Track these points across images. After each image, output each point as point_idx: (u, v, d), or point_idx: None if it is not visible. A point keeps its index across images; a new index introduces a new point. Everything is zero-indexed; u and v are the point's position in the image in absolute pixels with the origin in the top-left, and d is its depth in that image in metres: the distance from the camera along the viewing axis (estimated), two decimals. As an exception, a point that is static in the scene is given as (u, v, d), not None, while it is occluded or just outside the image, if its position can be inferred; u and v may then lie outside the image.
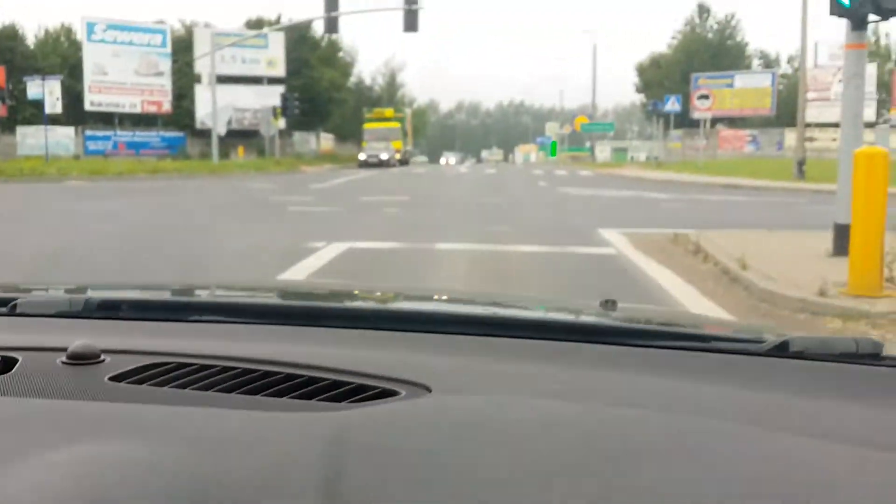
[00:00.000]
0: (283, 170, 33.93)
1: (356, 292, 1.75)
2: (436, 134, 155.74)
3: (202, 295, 1.58)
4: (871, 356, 0.95)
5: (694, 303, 5.88)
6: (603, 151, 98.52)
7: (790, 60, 54.05)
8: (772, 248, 7.95)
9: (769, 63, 53.92)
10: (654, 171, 32.58)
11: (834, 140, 45.48)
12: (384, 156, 43.78)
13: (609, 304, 1.19)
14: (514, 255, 8.37)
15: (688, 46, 52.21)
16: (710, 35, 53.11)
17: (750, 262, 6.74)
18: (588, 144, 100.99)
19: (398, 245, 8.95)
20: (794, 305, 5.66)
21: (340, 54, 68.17)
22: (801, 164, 23.91)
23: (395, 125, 49.45)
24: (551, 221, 11.97)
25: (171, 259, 7.84)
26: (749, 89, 47.59)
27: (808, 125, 47.33)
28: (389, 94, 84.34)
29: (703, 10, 52.81)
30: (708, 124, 50.13)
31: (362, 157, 44.10)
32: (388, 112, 51.50)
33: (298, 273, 6.95)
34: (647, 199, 17.83)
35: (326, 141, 63.45)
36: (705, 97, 30.54)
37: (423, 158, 70.80)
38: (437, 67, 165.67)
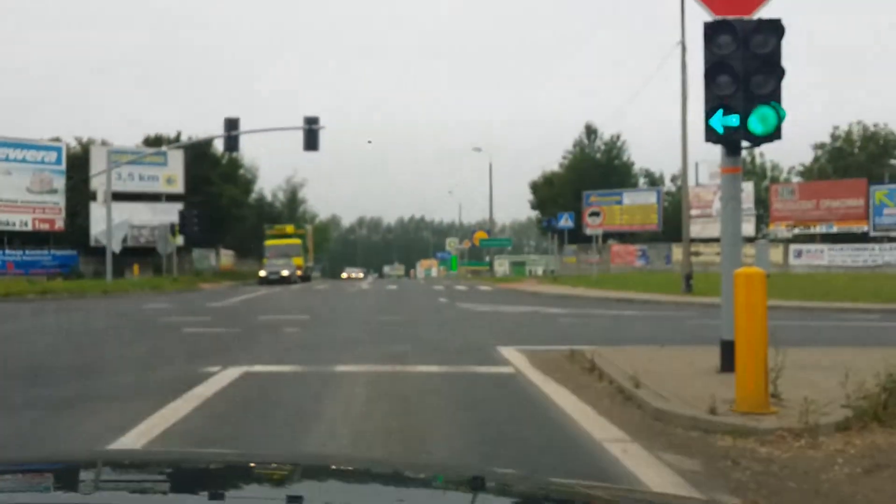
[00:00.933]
0: (181, 288, 33.07)
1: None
2: (338, 249, 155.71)
3: None
4: None
5: (591, 422, 5.93)
6: (502, 265, 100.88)
7: (673, 179, 57.58)
8: (663, 364, 8.19)
9: (654, 181, 57.17)
10: (550, 286, 33.42)
11: (718, 254, 47.54)
12: (285, 272, 43.37)
13: (477, 482, 1.18)
14: (413, 376, 8.30)
15: (578, 165, 54.92)
16: (597, 155, 56.11)
17: (643, 380, 6.89)
18: (487, 259, 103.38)
19: (296, 368, 8.76)
20: (686, 423, 5.79)
21: (241, 171, 68.36)
22: (688, 277, 25.03)
23: (296, 241, 49.35)
24: (452, 340, 12.00)
25: (36, 400, 7.39)
26: (637, 206, 50.25)
27: (693, 240, 50.03)
28: (291, 211, 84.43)
29: (591, 132, 55.97)
30: (600, 240, 52.47)
31: (263, 273, 43.56)
32: (289, 228, 51.49)
33: (190, 402, 6.66)
34: (545, 314, 18.19)
35: (227, 257, 62.58)
36: (596, 214, 31.97)
37: (317, 275, 70.62)
38: (338, 183, 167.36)
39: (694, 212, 48.14)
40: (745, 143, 7.67)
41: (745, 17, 7.20)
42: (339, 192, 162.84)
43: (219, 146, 56.75)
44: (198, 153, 52.10)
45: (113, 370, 8.80)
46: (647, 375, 7.13)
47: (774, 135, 7.08)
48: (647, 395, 6.48)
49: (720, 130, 7.27)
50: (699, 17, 8.10)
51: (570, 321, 15.92)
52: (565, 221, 34.81)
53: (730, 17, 7.19)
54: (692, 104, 25.35)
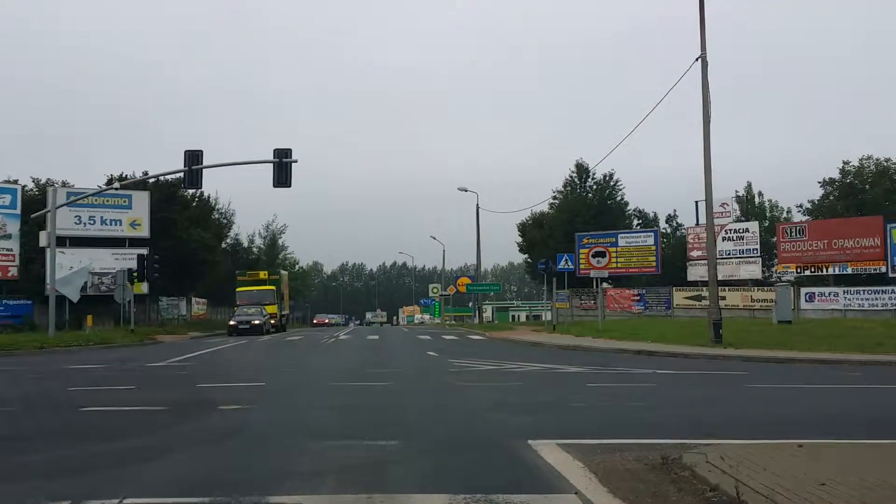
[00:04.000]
0: (133, 341, 29.24)
1: None
2: (320, 296, 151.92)
3: None
4: None
5: None
6: (485, 311, 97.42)
7: (669, 220, 54.66)
8: (845, 482, 4.69)
9: (647, 222, 54.11)
10: (551, 335, 29.97)
11: (723, 299, 44.85)
12: (256, 321, 39.60)
13: None
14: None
15: (569, 206, 51.81)
16: (589, 195, 53.07)
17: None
18: (470, 304, 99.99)
19: (205, 502, 5.18)
20: None
21: (215, 216, 64.75)
22: (717, 326, 21.64)
23: (270, 288, 45.61)
24: (457, 425, 8.44)
25: None
26: (633, 248, 47.01)
27: (695, 284, 46.86)
28: (270, 257, 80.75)
29: (583, 170, 52.97)
30: (598, 283, 49.09)
31: (232, 323, 39.76)
32: (262, 274, 47.72)
33: None
34: (564, 375, 14.69)
35: (200, 306, 58.59)
36: (601, 255, 28.64)
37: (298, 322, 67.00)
38: (319, 230, 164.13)
39: (695, 253, 45.08)
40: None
41: None
42: (320, 238, 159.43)
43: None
44: (165, 195, 48.58)
45: None
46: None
47: None
48: None
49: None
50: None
51: (604, 387, 12.39)
52: (566, 263, 31.44)
53: None
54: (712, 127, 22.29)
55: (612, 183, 52.36)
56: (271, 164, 29.79)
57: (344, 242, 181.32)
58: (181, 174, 29.91)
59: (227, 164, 30.71)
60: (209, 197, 52.61)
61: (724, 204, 44.28)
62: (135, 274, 35.59)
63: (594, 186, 52.88)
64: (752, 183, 52.56)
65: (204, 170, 28.71)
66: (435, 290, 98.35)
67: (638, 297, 46.12)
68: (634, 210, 54.63)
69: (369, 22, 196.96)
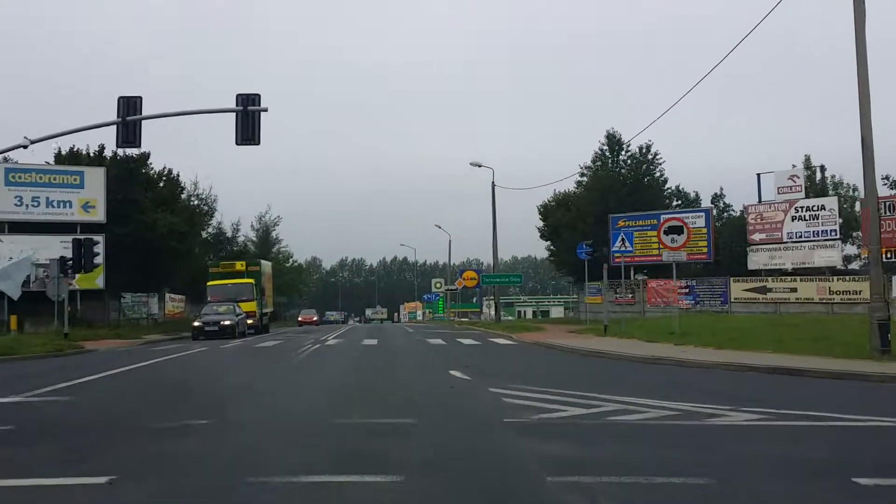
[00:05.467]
0: (48, 350, 21.82)
1: None
2: (319, 292, 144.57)
3: None
4: None
5: None
6: (489, 307, 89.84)
7: (715, 199, 47.05)
8: None
9: (688, 204, 46.56)
10: (604, 339, 22.60)
11: (793, 291, 37.46)
12: (227, 321, 32.23)
13: None
14: None
15: (600, 183, 44.33)
16: (623, 171, 45.58)
17: None
18: (475, 300, 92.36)
19: None
20: None
21: (193, 201, 57.16)
22: (884, 330, 14.25)
23: (248, 281, 38.06)
24: None
25: None
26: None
27: (757, 273, 39.40)
28: (263, 251, 73.49)
29: (615, 142, 45.44)
30: (632, 273, 41.86)
31: (197, 324, 32.38)
32: (239, 265, 40.06)
33: None
34: (743, 437, 7.29)
35: (177, 303, 51.08)
36: (677, 230, 21.05)
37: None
38: (318, 225, 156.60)
39: (758, 236, 37.59)
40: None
41: None
42: (319, 233, 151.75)
43: (156, 164, 46.27)
44: (125, 172, 41.09)
45: None
46: None
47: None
48: None
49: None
50: None
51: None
52: (621, 244, 23.95)
53: None
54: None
55: (649, 157, 44.77)
56: (234, 116, 22.54)
57: (343, 237, 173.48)
58: (119, 135, 22.36)
59: (172, 115, 23.23)
60: (178, 175, 45.04)
61: (792, 177, 36.81)
62: (69, 263, 28.19)
63: (629, 161, 45.33)
64: (810, 157, 44.91)
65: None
66: (438, 286, 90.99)
67: (687, 290, 38.66)
68: (672, 189, 47.08)
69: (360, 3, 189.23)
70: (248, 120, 22.28)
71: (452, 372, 14.09)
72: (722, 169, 53.03)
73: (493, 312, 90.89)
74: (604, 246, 38.73)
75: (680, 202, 46.88)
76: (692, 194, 47.69)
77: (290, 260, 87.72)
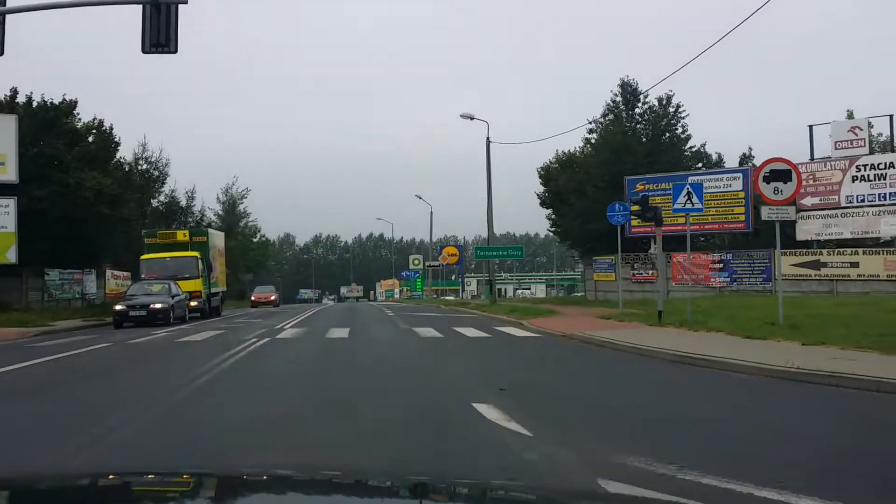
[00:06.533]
0: None
1: None
2: (292, 270, 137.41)
3: None
4: None
5: None
6: (469, 284, 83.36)
7: (744, 161, 40.46)
8: None
9: (711, 166, 39.97)
10: (667, 329, 16.01)
11: (853, 266, 31.07)
12: (158, 304, 25.23)
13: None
14: None
15: (613, 141, 37.57)
16: (639, 126, 38.86)
17: None
18: (454, 277, 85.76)
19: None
20: None
21: (142, 165, 49.80)
22: None
23: (192, 254, 30.87)
24: None
25: None
26: (710, 196, 32.81)
27: (808, 244, 33.09)
28: (229, 224, 66.36)
29: (630, 92, 38.67)
30: (657, 245, 35.08)
31: (120, 307, 25.35)
32: (181, 234, 32.74)
33: None
34: None
35: (121, 280, 43.68)
36: (784, 176, 14.24)
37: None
38: (291, 199, 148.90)
39: (812, 200, 31.19)
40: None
41: None
42: (291, 209, 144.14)
43: (84, 114, 38.87)
44: (43, 122, 33.69)
45: None
46: None
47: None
48: None
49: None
50: None
51: None
52: (686, 200, 17.22)
53: None
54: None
55: (670, 110, 38.01)
56: (141, 14, 15.59)
57: (317, 213, 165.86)
58: None
59: (51, 7, 16.01)
60: (111, 129, 37.63)
61: (855, 128, 30.28)
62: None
63: (646, 115, 38.58)
64: (853, 111, 38.31)
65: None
66: (416, 262, 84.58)
67: (720, 265, 32.22)
68: (692, 149, 40.33)
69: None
70: (161, 16, 15.27)
71: (482, 409, 7.34)
72: (754, 127, 46.48)
73: (476, 290, 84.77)
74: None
75: (702, 164, 40.31)
76: (714, 156, 41.14)
77: (259, 235, 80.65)
